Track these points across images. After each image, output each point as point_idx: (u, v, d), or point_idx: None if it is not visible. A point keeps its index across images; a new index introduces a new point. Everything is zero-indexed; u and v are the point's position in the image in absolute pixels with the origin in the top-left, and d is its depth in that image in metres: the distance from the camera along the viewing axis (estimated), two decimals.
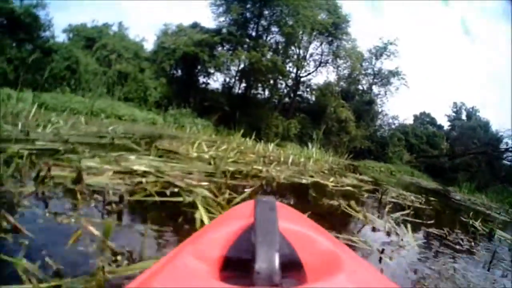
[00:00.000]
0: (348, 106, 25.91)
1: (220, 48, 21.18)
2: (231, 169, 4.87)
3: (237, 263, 0.58)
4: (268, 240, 0.54)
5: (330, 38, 24.11)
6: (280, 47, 22.80)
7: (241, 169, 5.34)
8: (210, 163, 4.92)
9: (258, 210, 0.64)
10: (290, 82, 24.72)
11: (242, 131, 10.89)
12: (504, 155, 32.47)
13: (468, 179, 25.77)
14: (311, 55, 25.19)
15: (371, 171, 17.80)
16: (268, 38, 22.83)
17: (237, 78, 22.88)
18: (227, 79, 23.10)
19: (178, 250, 0.64)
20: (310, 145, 13.48)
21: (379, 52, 29.24)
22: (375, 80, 29.86)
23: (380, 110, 30.86)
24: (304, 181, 5.88)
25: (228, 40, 20.91)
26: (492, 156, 32.76)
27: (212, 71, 21.90)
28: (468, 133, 35.37)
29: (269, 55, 20.65)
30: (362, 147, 26.50)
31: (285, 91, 25.15)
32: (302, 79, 25.25)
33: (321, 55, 25.18)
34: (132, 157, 3.92)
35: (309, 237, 0.65)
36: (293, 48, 23.63)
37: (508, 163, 32.24)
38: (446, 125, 39.62)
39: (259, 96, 23.95)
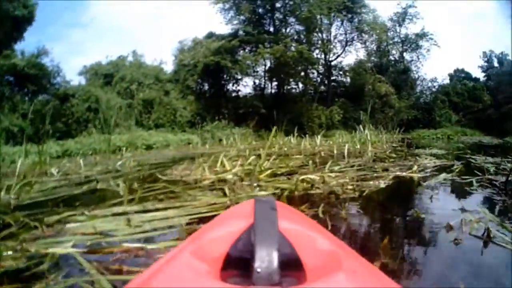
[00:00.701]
0: (385, 79, 23.84)
1: (241, 52, 19.52)
2: (263, 192, 3.24)
3: (237, 263, 0.56)
4: (268, 239, 0.52)
5: (349, 15, 22.04)
6: (302, 36, 20.99)
7: (281, 184, 3.53)
8: (225, 193, 3.11)
9: (258, 210, 0.61)
10: (321, 69, 22.84)
11: (281, 128, 9.99)
12: None
13: None
14: (335, 37, 23.20)
15: (427, 141, 16.75)
16: (288, 30, 21.06)
17: (266, 77, 21.14)
18: (257, 81, 21.35)
19: (178, 249, 0.62)
20: (361, 128, 11.73)
21: (401, 17, 26.82)
22: (404, 47, 27.65)
23: (417, 76, 28.65)
24: (382, 183, 3.71)
25: (247, 41, 19.21)
26: None
27: (239, 76, 20.17)
28: (505, 79, 32.33)
29: (293, 47, 18.80)
30: (408, 118, 24.38)
31: (319, 79, 23.17)
32: (332, 63, 23.35)
33: (345, 34, 23.21)
34: (81, 217, 2.39)
35: (309, 236, 0.63)
36: (315, 34, 21.69)
37: None
38: (481, 76, 36.68)
39: (293, 90, 22.03)
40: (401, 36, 27.53)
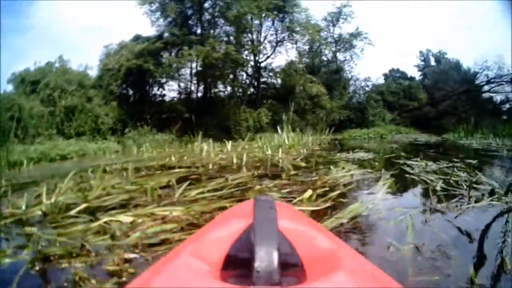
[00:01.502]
0: (316, 80, 25.55)
1: (166, 54, 20.49)
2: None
3: (237, 262, 0.60)
4: (268, 239, 0.55)
5: (281, 15, 23.41)
6: (231, 37, 22.27)
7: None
8: None
9: (257, 209, 0.64)
10: (250, 70, 24.27)
11: (206, 133, 10.90)
12: (487, 88, 33.43)
13: (457, 122, 27.09)
14: (265, 37, 24.65)
15: (359, 141, 18.03)
16: (217, 31, 22.28)
17: (193, 81, 22.33)
18: (182, 85, 22.51)
19: (179, 249, 0.66)
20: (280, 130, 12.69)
21: (335, 17, 29.18)
22: (338, 47, 29.87)
23: (350, 76, 31.02)
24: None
25: (172, 43, 20.27)
26: (474, 93, 33.90)
27: (163, 80, 21.28)
28: (441, 77, 36.06)
29: (222, 48, 19.95)
30: (341, 118, 26.60)
31: (248, 81, 24.66)
32: (262, 64, 24.85)
33: (276, 34, 24.66)
34: None
35: (309, 235, 0.67)
36: (245, 35, 23.03)
37: (493, 94, 33.58)
38: (417, 75, 40.44)
39: (221, 93, 23.36)
40: (335, 36, 29.75)
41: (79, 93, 17.61)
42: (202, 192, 3.91)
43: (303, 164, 6.44)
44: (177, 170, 6.03)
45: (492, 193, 3.54)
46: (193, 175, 5.49)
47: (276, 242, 0.55)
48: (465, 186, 3.95)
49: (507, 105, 33.50)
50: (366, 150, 10.26)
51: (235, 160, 7.20)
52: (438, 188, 3.97)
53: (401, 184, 4.56)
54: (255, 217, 0.62)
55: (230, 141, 11.28)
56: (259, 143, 11.25)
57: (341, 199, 3.57)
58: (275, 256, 0.52)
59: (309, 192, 3.55)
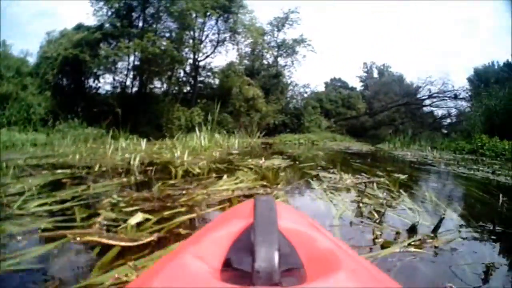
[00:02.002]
0: (254, 83, 27.05)
1: (105, 46, 20.61)
2: None
3: (237, 263, 0.64)
4: (268, 239, 0.59)
5: (225, 15, 24.15)
6: (173, 34, 22.63)
7: None
8: None
9: (257, 210, 0.69)
10: (188, 69, 24.95)
11: (137, 129, 11.45)
12: (429, 102, 36.09)
13: (394, 133, 28.48)
14: (207, 36, 25.19)
15: (288, 146, 18.05)
16: (160, 26, 22.61)
17: (130, 75, 22.65)
18: (118, 78, 22.72)
19: (178, 250, 0.70)
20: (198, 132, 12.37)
21: (281, 22, 31.03)
22: (280, 52, 31.71)
23: (289, 81, 33.12)
24: None
25: (110, 35, 20.58)
26: (414, 106, 36.61)
27: (100, 72, 21.62)
28: (383, 89, 39.18)
29: (163, 45, 20.56)
30: (275, 122, 28.33)
31: (184, 79, 25.35)
32: (201, 63, 25.57)
33: (218, 33, 25.31)
34: None
35: (309, 236, 0.70)
36: (187, 32, 23.29)
37: (434, 109, 36.10)
38: (358, 86, 43.90)
39: (157, 90, 24.35)
40: (278, 41, 31.76)
41: (16, 81, 17.66)
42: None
43: (198, 170, 6.20)
44: (59, 170, 5.75)
45: (412, 229, 2.87)
46: (71, 177, 5.15)
47: (276, 243, 0.58)
48: (376, 216, 3.30)
49: (448, 120, 35.98)
50: (286, 156, 9.90)
51: (132, 162, 7.04)
52: (334, 214, 3.36)
53: (295, 205, 3.96)
54: (255, 217, 0.66)
55: (159, 139, 12.43)
56: (174, 144, 11.36)
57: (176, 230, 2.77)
58: (275, 256, 0.55)
59: (138, 216, 2.92)
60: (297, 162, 8.70)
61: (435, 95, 35.01)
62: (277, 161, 8.24)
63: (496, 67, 39.49)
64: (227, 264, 0.64)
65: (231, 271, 0.62)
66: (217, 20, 24.67)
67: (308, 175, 6.08)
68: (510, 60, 34.49)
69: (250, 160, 8.17)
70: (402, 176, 6.24)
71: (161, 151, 10.21)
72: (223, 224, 0.77)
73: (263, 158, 8.30)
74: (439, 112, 36.91)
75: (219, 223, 0.83)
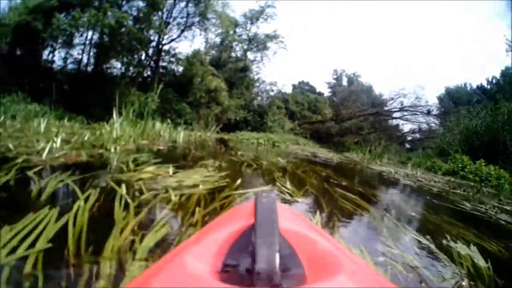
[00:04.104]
0: (219, 74, 26.80)
1: (61, 15, 19.51)
2: None
3: (237, 264, 0.65)
4: (268, 240, 0.61)
5: None
6: (141, 14, 22.04)
7: None
8: None
9: (258, 211, 0.71)
10: (151, 51, 24.73)
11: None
12: (400, 115, 36.90)
13: (358, 142, 30.11)
14: (174, 19, 24.63)
15: (245, 145, 16.99)
16: (127, 2, 21.99)
17: (89, 52, 22.00)
18: (74, 54, 21.98)
19: (178, 250, 0.72)
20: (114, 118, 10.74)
21: (255, 16, 30.97)
22: (250, 46, 31.74)
23: (256, 77, 32.93)
24: None
25: (69, 4, 19.63)
26: (383, 117, 37.83)
27: (58, 46, 20.93)
28: (351, 97, 39.95)
29: (123, 19, 19.85)
30: (237, 118, 28.15)
31: (145, 62, 24.68)
32: (165, 47, 25.08)
33: (186, 17, 24.73)
34: None
35: (309, 237, 0.73)
36: (155, 13, 22.81)
37: (404, 122, 37.14)
38: (326, 92, 45.00)
39: (115, 71, 23.65)
40: (250, 34, 31.64)
41: None
42: None
43: None
44: None
45: None
46: None
47: (276, 244, 0.60)
48: None
49: (417, 135, 37.15)
50: (233, 160, 7.97)
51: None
52: None
53: None
54: (256, 218, 0.68)
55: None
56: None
57: None
58: (276, 258, 0.57)
59: None
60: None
61: (406, 108, 35.84)
62: (202, 175, 4.74)
63: (468, 89, 41.34)
64: (227, 265, 0.66)
65: (231, 272, 0.64)
66: (187, 3, 24.24)
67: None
68: (483, 84, 36.28)
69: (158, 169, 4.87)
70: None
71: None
72: (224, 225, 0.80)
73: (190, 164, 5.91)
74: (406, 127, 38.19)
75: (219, 223, 0.86)
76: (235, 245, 0.70)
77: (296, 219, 0.91)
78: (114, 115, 9.64)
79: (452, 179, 12.98)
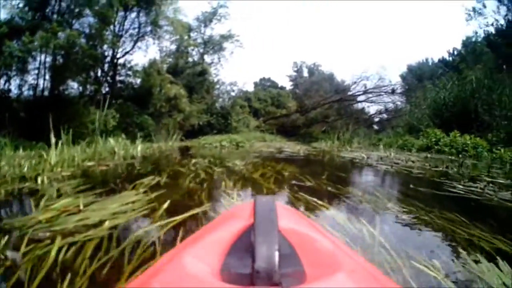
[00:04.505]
0: (178, 81, 26.89)
1: (14, 42, 19.04)
2: None
3: (237, 263, 0.66)
4: (268, 240, 0.61)
5: (146, 6, 22.85)
6: (93, 30, 21.54)
7: None
8: None
9: (257, 210, 0.71)
10: (106, 67, 23.74)
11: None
12: (364, 98, 37.92)
13: (328, 130, 30.33)
14: (126, 31, 24.08)
15: (208, 150, 16.57)
16: (78, 21, 21.61)
17: (45, 76, 21.29)
18: (28, 79, 21.21)
19: (178, 250, 0.73)
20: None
21: (208, 18, 31.21)
22: (206, 49, 32.14)
23: (216, 79, 33.31)
24: None
25: (18, 29, 19.26)
26: (348, 103, 38.85)
27: (10, 73, 20.26)
28: (313, 87, 40.68)
29: (73, 37, 19.47)
30: (200, 123, 28.23)
31: (102, 79, 23.96)
32: (120, 61, 24.39)
33: (139, 28, 24.26)
34: None
35: (309, 236, 0.74)
36: (107, 28, 22.15)
37: (370, 104, 38.15)
38: (288, 85, 46.16)
39: (73, 91, 22.61)
40: (205, 37, 31.95)
41: None
42: None
43: None
44: None
45: None
46: None
47: (276, 243, 0.61)
48: None
49: (385, 115, 38.21)
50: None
51: None
52: None
53: None
54: (255, 218, 0.68)
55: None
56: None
57: None
58: (275, 257, 0.58)
59: None
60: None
61: (370, 90, 36.73)
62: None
63: (430, 63, 42.56)
64: (227, 264, 0.67)
65: (231, 272, 0.65)
66: (138, 13, 23.94)
67: None
68: (445, 57, 37.37)
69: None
70: None
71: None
72: (223, 224, 0.81)
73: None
74: (372, 109, 39.47)
75: (219, 223, 0.87)
76: (234, 244, 0.72)
77: (296, 218, 0.93)
78: (52, 139, 8.69)
79: (429, 155, 12.81)
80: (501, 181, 6.71)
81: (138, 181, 5.49)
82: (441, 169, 8.69)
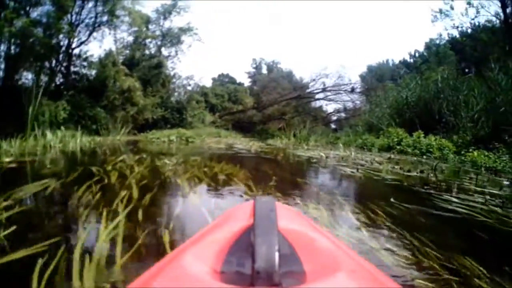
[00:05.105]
0: (133, 74, 26.82)
1: None
2: None
3: (237, 263, 0.67)
4: (268, 240, 0.61)
5: None
6: (50, 19, 21.09)
7: None
8: None
9: (257, 210, 0.72)
10: (61, 57, 23.46)
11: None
12: (323, 96, 38.29)
13: (282, 128, 31.06)
14: (82, 21, 23.67)
15: (156, 145, 16.55)
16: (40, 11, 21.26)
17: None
18: None
19: (178, 250, 0.72)
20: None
21: (168, 10, 31.51)
22: (164, 42, 31.92)
23: (172, 73, 33.00)
24: None
25: None
26: (306, 100, 39.28)
27: None
28: (271, 84, 41.33)
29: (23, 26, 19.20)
30: (155, 117, 28.29)
31: (56, 69, 23.54)
32: (75, 51, 24.31)
33: (95, 17, 24.02)
34: None
35: (309, 236, 0.74)
36: (64, 17, 21.86)
37: (328, 102, 38.67)
38: (247, 82, 47.15)
39: (27, 82, 21.94)
40: (164, 29, 31.76)
41: None
42: None
43: None
44: None
45: None
46: None
47: (276, 243, 0.61)
48: None
49: (343, 114, 38.84)
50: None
51: None
52: None
53: None
54: (255, 218, 0.68)
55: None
56: None
57: None
58: (275, 257, 0.58)
59: None
60: None
61: (329, 88, 37.14)
62: None
63: (391, 64, 44.16)
64: (227, 265, 0.68)
65: (231, 272, 0.66)
66: (96, 2, 23.66)
67: None
68: (406, 58, 38.79)
69: None
70: None
71: None
72: (223, 225, 0.83)
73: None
74: (331, 107, 39.87)
75: (219, 223, 0.89)
76: (234, 245, 0.73)
77: (296, 218, 0.94)
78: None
79: (392, 156, 12.47)
80: (495, 191, 5.82)
81: (22, 187, 4.57)
82: (415, 174, 7.85)
